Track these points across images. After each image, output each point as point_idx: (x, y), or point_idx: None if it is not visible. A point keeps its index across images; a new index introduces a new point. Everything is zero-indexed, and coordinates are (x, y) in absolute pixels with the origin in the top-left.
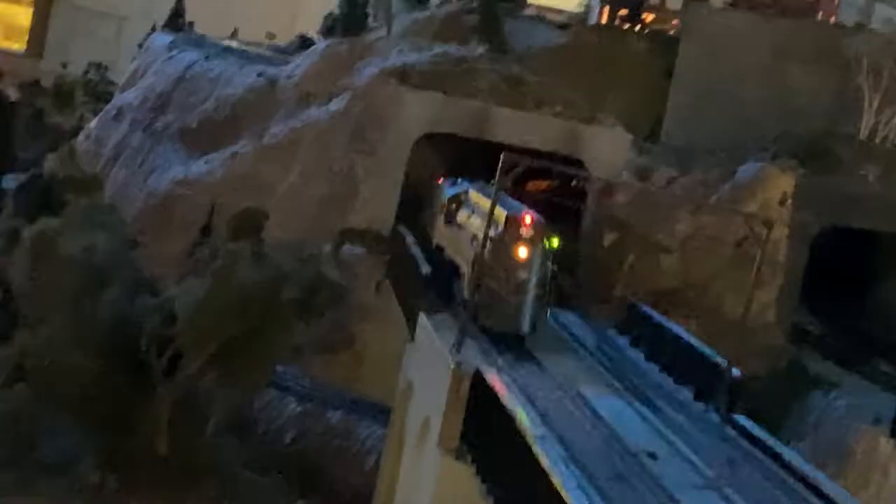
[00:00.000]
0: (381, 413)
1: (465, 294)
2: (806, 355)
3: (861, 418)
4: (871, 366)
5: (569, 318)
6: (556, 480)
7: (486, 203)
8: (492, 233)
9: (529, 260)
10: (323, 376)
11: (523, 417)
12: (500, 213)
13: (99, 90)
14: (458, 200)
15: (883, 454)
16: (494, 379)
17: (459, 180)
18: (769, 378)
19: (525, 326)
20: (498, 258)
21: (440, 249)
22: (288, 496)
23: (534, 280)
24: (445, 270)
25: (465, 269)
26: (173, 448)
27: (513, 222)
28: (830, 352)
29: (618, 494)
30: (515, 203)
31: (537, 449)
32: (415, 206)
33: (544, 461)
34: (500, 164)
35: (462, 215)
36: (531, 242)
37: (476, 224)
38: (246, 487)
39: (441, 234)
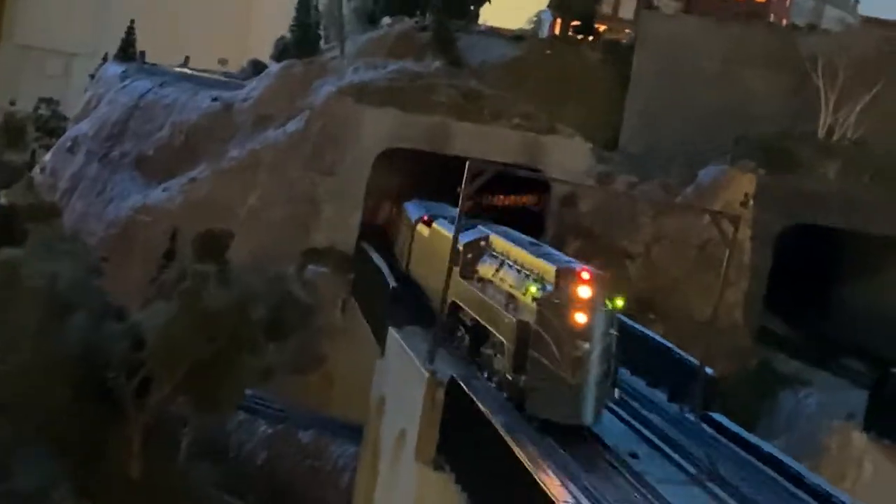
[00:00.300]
0: (353, 432)
1: (507, 372)
2: (773, 355)
3: (833, 414)
4: (841, 364)
5: None
6: (542, 480)
7: (518, 253)
8: (538, 293)
9: (590, 327)
10: (292, 398)
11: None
12: (547, 267)
13: (50, 125)
14: (478, 248)
15: (857, 448)
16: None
17: (478, 226)
18: (739, 378)
19: (588, 415)
20: (548, 325)
21: (457, 308)
22: None
23: (596, 353)
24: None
25: (501, 338)
26: (146, 473)
27: (567, 279)
28: (798, 351)
29: (603, 491)
30: (559, 254)
31: (518, 453)
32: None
33: (527, 463)
34: (465, 172)
35: (486, 268)
36: (591, 305)
37: (510, 281)
38: None
39: (459, 290)
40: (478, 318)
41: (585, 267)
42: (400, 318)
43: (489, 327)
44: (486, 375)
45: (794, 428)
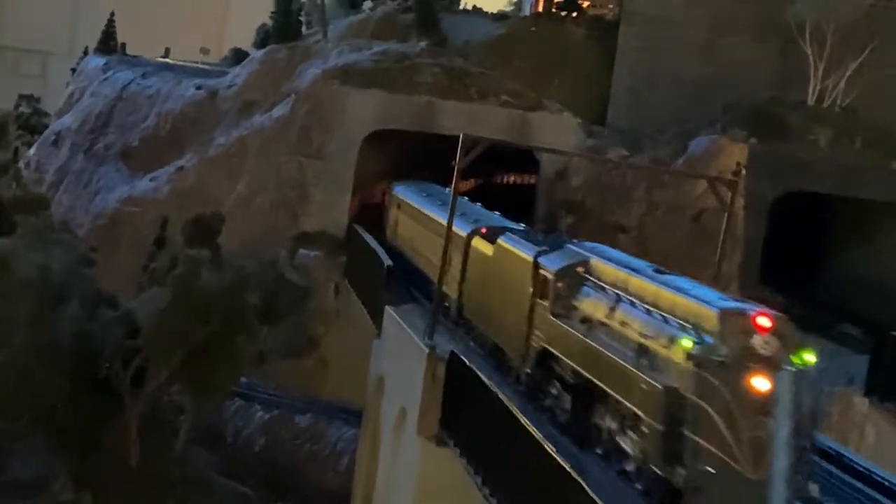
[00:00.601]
0: (349, 415)
1: (649, 461)
2: None
3: (833, 380)
4: (838, 330)
5: None
6: (550, 450)
7: (644, 285)
8: (693, 347)
9: (775, 396)
10: (287, 383)
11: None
12: (704, 310)
13: (32, 122)
14: (576, 276)
15: (858, 413)
16: None
17: (567, 244)
18: None
19: None
20: (713, 395)
21: (549, 357)
22: (266, 501)
23: (785, 433)
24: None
25: (634, 408)
26: (144, 461)
27: (736, 326)
28: (793, 320)
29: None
30: (705, 287)
31: (526, 423)
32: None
33: (535, 433)
34: (459, 144)
35: (591, 304)
36: (775, 363)
37: (638, 326)
38: (223, 496)
39: (552, 333)
40: (587, 374)
41: (762, 309)
42: (396, 297)
43: (609, 390)
44: (602, 453)
45: None
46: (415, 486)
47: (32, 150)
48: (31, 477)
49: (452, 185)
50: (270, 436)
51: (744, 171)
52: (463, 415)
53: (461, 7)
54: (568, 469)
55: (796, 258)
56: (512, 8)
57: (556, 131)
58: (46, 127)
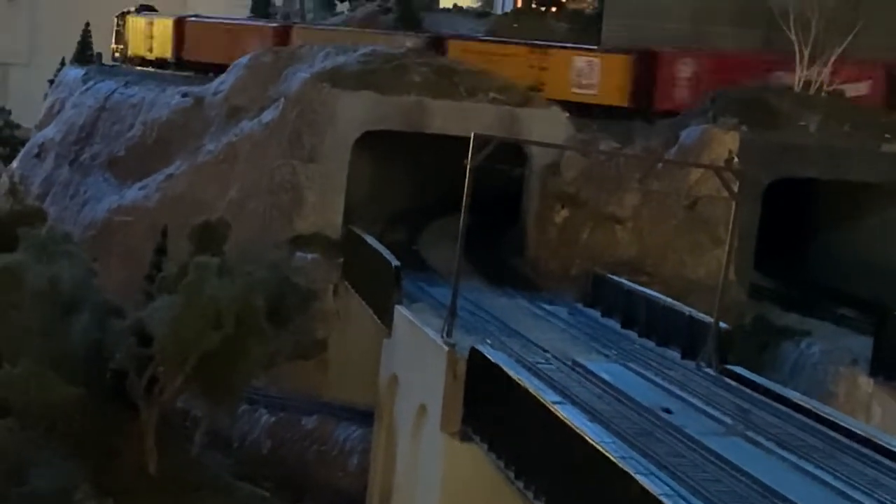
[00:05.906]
0: (355, 414)
1: None
2: (766, 309)
3: (838, 361)
4: (836, 313)
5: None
6: (589, 438)
7: None
8: None
9: None
10: (288, 385)
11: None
12: None
13: (4, 135)
14: None
15: (864, 393)
16: None
17: None
18: (737, 334)
19: None
20: None
21: None
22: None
23: None
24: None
25: None
26: (162, 467)
27: None
28: (790, 304)
29: (647, 445)
30: None
31: (560, 413)
32: None
33: (570, 422)
34: (471, 143)
35: None
36: None
37: None
38: (242, 499)
39: None
40: None
41: None
42: (406, 297)
43: None
44: None
45: (799, 377)
46: (440, 482)
47: (15, 164)
48: (50, 487)
49: (466, 186)
50: (277, 438)
51: (736, 159)
52: (489, 409)
53: (440, 6)
54: (610, 456)
55: (783, 242)
56: (479, 4)
57: (546, 126)
58: (16, 139)
